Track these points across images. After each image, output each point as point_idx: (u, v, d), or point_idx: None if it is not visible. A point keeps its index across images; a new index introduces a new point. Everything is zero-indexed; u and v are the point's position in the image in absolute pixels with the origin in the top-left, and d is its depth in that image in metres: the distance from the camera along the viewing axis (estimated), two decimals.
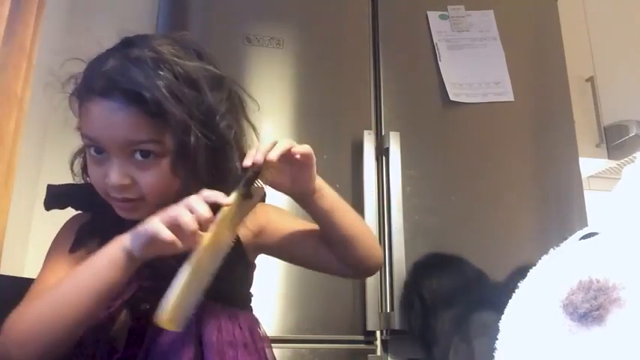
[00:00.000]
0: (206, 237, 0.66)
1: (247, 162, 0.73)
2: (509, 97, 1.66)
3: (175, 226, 0.64)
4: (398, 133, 1.49)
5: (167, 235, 0.64)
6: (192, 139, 0.71)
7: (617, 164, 2.12)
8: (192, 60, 0.74)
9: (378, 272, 1.40)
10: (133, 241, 0.67)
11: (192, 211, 0.65)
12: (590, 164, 2.11)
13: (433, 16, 1.71)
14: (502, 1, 1.80)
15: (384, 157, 1.50)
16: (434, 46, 1.67)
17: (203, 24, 1.56)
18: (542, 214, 1.60)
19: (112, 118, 0.70)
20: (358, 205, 1.44)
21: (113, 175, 0.71)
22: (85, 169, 0.81)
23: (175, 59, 0.72)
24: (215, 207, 0.68)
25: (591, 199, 1.69)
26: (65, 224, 0.82)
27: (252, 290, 0.87)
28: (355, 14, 1.66)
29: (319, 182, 0.82)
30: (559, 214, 1.60)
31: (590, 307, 0.42)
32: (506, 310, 0.50)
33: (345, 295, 1.37)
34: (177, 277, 0.63)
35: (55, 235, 0.82)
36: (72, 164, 0.83)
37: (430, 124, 1.61)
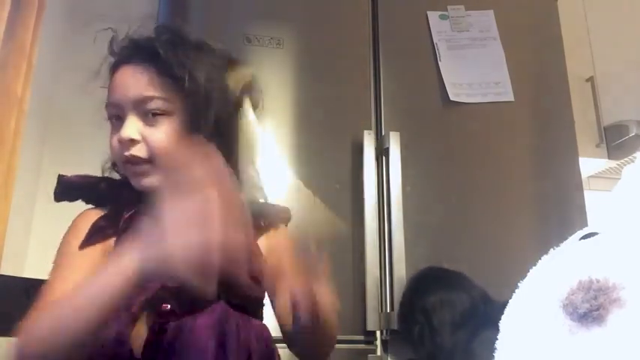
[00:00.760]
0: None
1: None
2: (509, 97, 1.66)
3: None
4: (398, 133, 1.49)
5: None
6: (202, 103, 0.76)
7: (617, 164, 2.12)
8: (214, 56, 0.83)
9: (378, 272, 1.40)
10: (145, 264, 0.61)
11: None
12: (590, 164, 2.11)
13: (433, 16, 1.71)
14: (502, 1, 1.80)
15: (384, 157, 1.50)
16: (434, 46, 1.67)
17: (203, 24, 1.56)
18: (542, 214, 1.60)
19: (131, 78, 0.77)
20: (358, 205, 1.44)
21: (124, 130, 0.75)
22: (113, 165, 0.83)
23: (199, 43, 0.81)
24: None
25: (591, 199, 1.69)
26: (74, 222, 0.81)
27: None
28: (355, 14, 1.66)
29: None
30: (559, 214, 1.60)
31: (590, 307, 0.42)
32: (507, 310, 0.50)
33: (345, 295, 1.37)
34: None
35: (64, 233, 0.80)
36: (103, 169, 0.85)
37: (430, 124, 1.61)
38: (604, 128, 2.09)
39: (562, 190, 1.64)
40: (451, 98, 1.62)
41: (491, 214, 1.55)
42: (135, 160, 0.76)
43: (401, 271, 1.38)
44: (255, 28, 1.56)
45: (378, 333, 1.37)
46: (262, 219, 0.85)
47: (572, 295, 0.43)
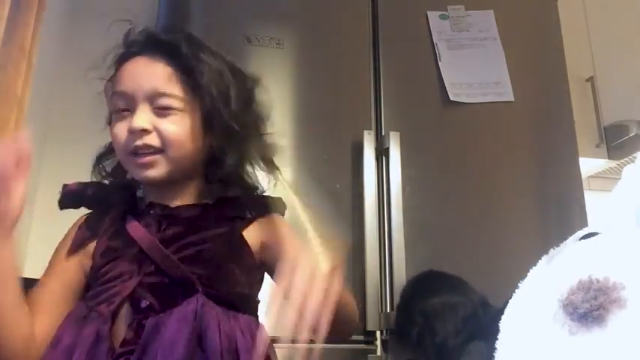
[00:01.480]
0: None
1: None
2: (509, 97, 1.66)
3: None
4: (398, 133, 1.49)
5: None
6: (218, 103, 0.77)
7: (617, 164, 2.12)
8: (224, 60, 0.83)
9: (378, 272, 1.40)
10: None
11: None
12: (590, 164, 2.11)
13: (433, 16, 1.71)
14: (502, 1, 1.80)
15: (384, 157, 1.50)
16: (434, 46, 1.67)
17: (203, 24, 1.56)
18: (542, 214, 1.60)
19: (146, 69, 0.77)
20: (358, 205, 1.44)
21: (136, 120, 0.75)
22: (110, 173, 0.84)
23: (209, 45, 0.82)
24: None
25: (591, 199, 1.69)
26: (74, 225, 0.83)
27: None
28: (355, 14, 1.66)
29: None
30: (559, 214, 1.60)
31: (590, 307, 0.42)
32: (507, 310, 0.50)
33: None
34: None
35: (66, 235, 0.83)
36: (94, 167, 0.85)
37: (430, 124, 1.60)
38: (604, 128, 2.09)
39: (562, 190, 1.64)
40: (451, 98, 1.62)
41: (491, 214, 1.55)
42: (145, 150, 0.76)
43: (401, 272, 1.38)
44: (255, 28, 1.56)
45: (378, 333, 1.37)
46: (249, 209, 0.84)
47: (572, 295, 0.43)
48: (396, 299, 1.36)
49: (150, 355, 0.68)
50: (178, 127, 0.76)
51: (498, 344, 0.48)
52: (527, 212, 1.59)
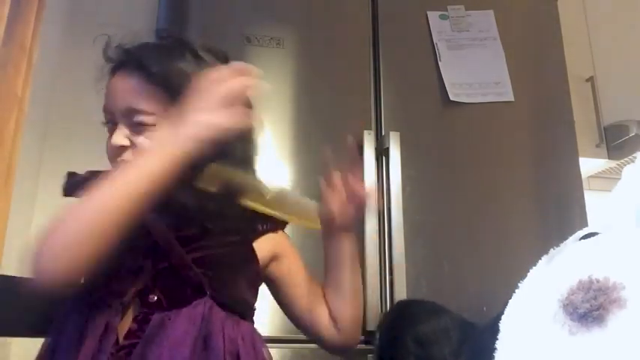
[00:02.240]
0: None
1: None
2: (509, 97, 1.66)
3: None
4: (398, 133, 1.49)
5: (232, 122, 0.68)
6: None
7: (617, 164, 2.12)
8: (216, 58, 0.81)
9: (378, 272, 1.40)
10: (190, 142, 0.67)
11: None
12: (590, 164, 2.11)
13: (433, 16, 1.71)
14: (502, 1, 1.80)
15: (384, 157, 1.50)
16: (434, 46, 1.67)
17: (203, 24, 1.56)
18: (542, 214, 1.60)
19: (121, 85, 0.77)
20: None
21: (114, 137, 0.76)
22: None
23: (198, 50, 0.79)
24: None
25: (591, 199, 1.69)
26: None
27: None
28: (355, 14, 1.66)
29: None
30: (559, 214, 1.60)
31: (590, 307, 0.42)
32: (507, 310, 0.50)
33: None
34: None
35: None
36: None
37: (430, 124, 1.61)
38: (604, 128, 2.09)
39: (562, 190, 1.64)
40: (451, 98, 1.62)
41: (491, 214, 1.55)
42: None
43: (401, 272, 1.38)
44: (255, 28, 1.56)
45: (378, 333, 1.37)
46: (260, 223, 0.85)
47: (572, 295, 0.43)
48: (397, 299, 1.36)
49: (153, 351, 0.69)
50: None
51: (498, 344, 0.48)
52: (527, 212, 1.59)
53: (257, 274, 0.84)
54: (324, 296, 0.88)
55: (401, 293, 1.37)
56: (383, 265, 1.41)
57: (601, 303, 0.42)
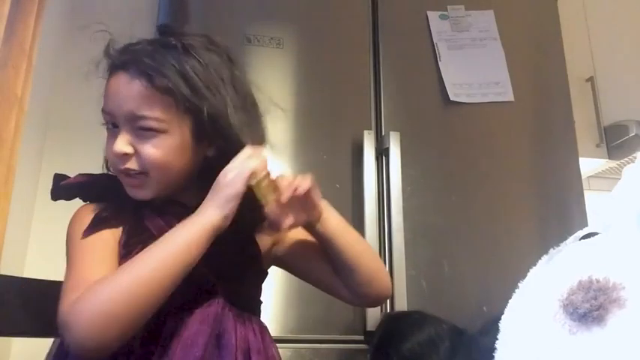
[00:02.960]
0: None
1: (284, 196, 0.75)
2: (509, 97, 1.66)
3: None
4: (398, 133, 1.49)
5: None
6: (199, 123, 0.74)
7: (617, 164, 2.11)
8: (220, 57, 0.79)
9: None
10: (222, 210, 0.70)
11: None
12: (590, 164, 2.11)
13: (433, 16, 1.71)
14: (502, 1, 1.80)
15: (384, 157, 1.50)
16: (434, 46, 1.67)
17: (203, 24, 1.56)
18: (542, 214, 1.60)
19: (124, 89, 0.74)
20: (358, 205, 1.44)
21: (117, 143, 0.74)
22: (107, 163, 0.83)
23: (201, 51, 0.77)
24: None
25: (591, 199, 1.69)
26: (77, 214, 0.79)
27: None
28: (355, 14, 1.66)
29: (323, 206, 0.81)
30: (559, 214, 1.60)
31: (590, 307, 0.42)
32: (507, 310, 0.50)
33: None
34: None
35: (69, 227, 0.79)
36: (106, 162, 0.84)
37: (430, 124, 1.60)
38: (604, 128, 2.09)
39: (562, 190, 1.64)
40: (451, 98, 1.62)
41: (491, 214, 1.55)
42: (129, 173, 0.75)
43: (401, 272, 1.38)
44: (255, 28, 1.56)
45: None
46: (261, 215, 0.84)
47: (572, 295, 0.43)
48: (397, 299, 1.36)
49: (169, 355, 0.69)
50: (159, 150, 0.74)
51: (498, 344, 0.48)
52: (527, 212, 1.59)
53: (260, 266, 0.84)
54: (341, 276, 0.85)
55: (401, 293, 1.37)
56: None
57: (601, 303, 0.42)
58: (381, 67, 1.61)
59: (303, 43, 1.60)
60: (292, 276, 1.36)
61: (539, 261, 0.52)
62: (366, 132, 1.50)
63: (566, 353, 0.42)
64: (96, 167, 0.85)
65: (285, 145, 1.48)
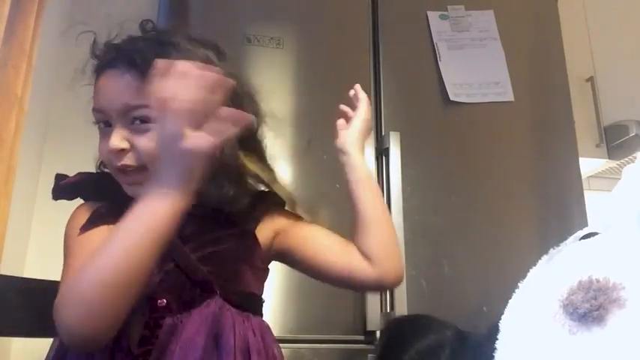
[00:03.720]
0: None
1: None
2: (509, 97, 1.66)
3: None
4: (398, 133, 1.49)
5: (208, 144, 0.61)
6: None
7: (617, 164, 2.12)
8: (205, 49, 0.78)
9: None
10: (177, 186, 0.63)
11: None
12: (590, 164, 2.11)
13: (433, 16, 1.71)
14: (502, 1, 1.80)
15: (384, 157, 1.50)
16: (434, 46, 1.67)
17: (203, 24, 1.56)
18: (542, 214, 1.60)
19: (114, 84, 0.74)
20: None
21: (112, 139, 0.72)
22: (102, 163, 0.82)
23: (185, 42, 0.76)
24: None
25: (591, 199, 1.69)
26: (75, 212, 0.79)
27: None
28: (355, 14, 1.66)
29: (358, 157, 0.88)
30: (559, 214, 1.60)
31: (590, 307, 0.42)
32: (507, 310, 0.50)
33: (345, 295, 1.37)
34: None
35: (67, 225, 0.78)
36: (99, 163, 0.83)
37: (430, 124, 1.60)
38: (604, 128, 2.09)
39: (562, 190, 1.64)
40: (451, 98, 1.62)
41: (491, 214, 1.55)
42: (127, 170, 0.74)
43: None
44: (255, 28, 1.56)
45: (378, 333, 1.37)
46: (256, 207, 0.83)
47: (572, 295, 0.43)
48: (397, 299, 1.36)
49: (167, 356, 0.68)
50: (154, 143, 0.70)
51: (498, 344, 0.48)
52: (527, 212, 1.59)
53: (261, 264, 0.83)
54: (352, 235, 0.85)
55: (401, 293, 1.37)
56: None
57: (601, 303, 0.42)
58: (381, 67, 1.61)
59: (303, 43, 1.60)
60: (292, 275, 1.36)
61: (539, 261, 0.52)
62: None
63: (566, 353, 0.42)
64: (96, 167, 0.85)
65: (285, 145, 1.48)
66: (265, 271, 0.86)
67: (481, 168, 1.59)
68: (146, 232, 0.62)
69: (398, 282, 0.87)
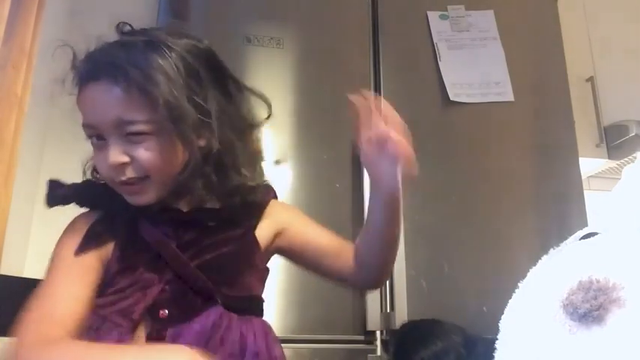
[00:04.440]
0: None
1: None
2: (509, 97, 1.66)
3: None
4: None
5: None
6: (182, 114, 0.70)
7: (617, 164, 2.12)
8: (187, 46, 0.75)
9: None
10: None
11: None
12: (590, 164, 2.11)
13: (433, 16, 1.71)
14: (502, 1, 1.80)
15: None
16: (434, 46, 1.67)
17: (203, 24, 1.56)
18: (542, 214, 1.60)
19: (101, 99, 0.71)
20: (358, 205, 1.44)
21: (110, 155, 0.71)
22: (95, 169, 0.80)
23: (166, 41, 0.73)
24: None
25: (591, 199, 1.69)
26: (71, 224, 0.79)
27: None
28: (355, 14, 1.66)
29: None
30: (559, 214, 1.60)
31: (590, 307, 0.42)
32: (507, 310, 0.50)
33: (345, 295, 1.37)
34: None
35: (60, 236, 0.78)
36: (85, 169, 0.82)
37: (430, 124, 1.60)
38: (604, 128, 2.09)
39: (562, 190, 1.64)
40: (451, 98, 1.62)
41: (491, 214, 1.55)
42: (132, 182, 0.73)
43: (401, 272, 1.38)
44: (255, 28, 1.56)
45: (378, 333, 1.37)
46: (252, 204, 0.82)
47: (572, 295, 0.43)
48: (397, 299, 1.36)
49: None
50: (154, 152, 0.71)
51: (498, 344, 0.48)
52: (527, 212, 1.59)
53: (262, 264, 0.82)
54: (360, 243, 0.85)
55: (401, 293, 1.37)
56: None
57: (601, 303, 0.42)
58: (381, 67, 1.61)
59: (303, 43, 1.60)
60: (292, 275, 1.37)
61: (539, 261, 0.52)
62: None
63: (566, 353, 0.42)
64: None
65: (285, 145, 1.48)
66: (266, 271, 0.85)
67: (481, 168, 1.59)
68: None
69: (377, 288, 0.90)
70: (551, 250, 0.53)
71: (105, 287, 0.73)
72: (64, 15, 1.77)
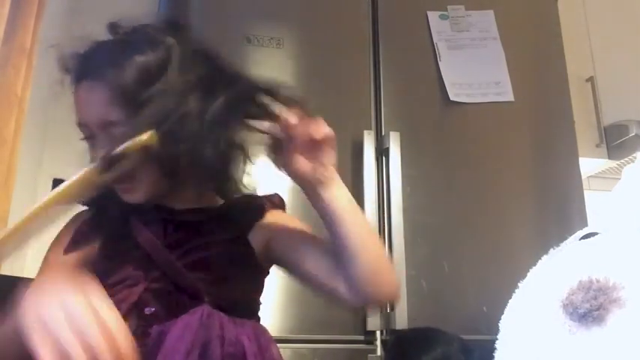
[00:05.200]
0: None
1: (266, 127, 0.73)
2: (509, 97, 1.66)
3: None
4: (398, 133, 1.49)
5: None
6: (167, 114, 0.69)
7: (617, 164, 2.12)
8: (174, 31, 0.75)
9: None
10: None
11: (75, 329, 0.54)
12: (590, 164, 2.11)
13: (433, 16, 1.71)
14: (502, 1, 1.80)
15: (384, 157, 1.50)
16: (434, 46, 1.67)
17: (203, 24, 1.56)
18: (542, 214, 1.60)
19: (88, 98, 0.72)
20: (358, 206, 1.43)
21: (98, 155, 0.71)
22: None
23: (155, 38, 0.73)
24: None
25: (591, 199, 1.69)
26: (67, 222, 0.80)
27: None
28: (355, 14, 1.66)
29: (335, 177, 0.77)
30: (559, 214, 1.60)
31: (590, 307, 0.42)
32: (507, 310, 0.50)
33: None
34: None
35: (55, 238, 0.80)
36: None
37: (430, 124, 1.61)
38: (604, 128, 2.09)
39: (562, 190, 1.64)
40: (451, 98, 1.62)
41: (491, 214, 1.55)
42: (121, 179, 0.73)
43: (401, 272, 1.38)
44: (255, 28, 1.56)
45: (378, 333, 1.37)
46: (252, 212, 0.82)
47: (572, 295, 0.43)
48: (396, 300, 1.36)
49: None
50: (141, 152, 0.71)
51: (498, 344, 0.48)
52: (527, 212, 1.59)
53: (256, 268, 0.80)
54: (336, 267, 0.76)
55: (401, 293, 1.37)
56: None
57: (601, 303, 0.42)
58: (381, 67, 1.61)
59: (303, 43, 1.60)
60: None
61: (539, 261, 0.52)
62: (366, 132, 1.50)
63: (566, 353, 0.42)
64: None
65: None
66: (263, 274, 0.83)
67: (481, 168, 1.59)
68: None
69: (390, 299, 0.83)
70: (551, 250, 0.53)
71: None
72: (64, 15, 1.77)
